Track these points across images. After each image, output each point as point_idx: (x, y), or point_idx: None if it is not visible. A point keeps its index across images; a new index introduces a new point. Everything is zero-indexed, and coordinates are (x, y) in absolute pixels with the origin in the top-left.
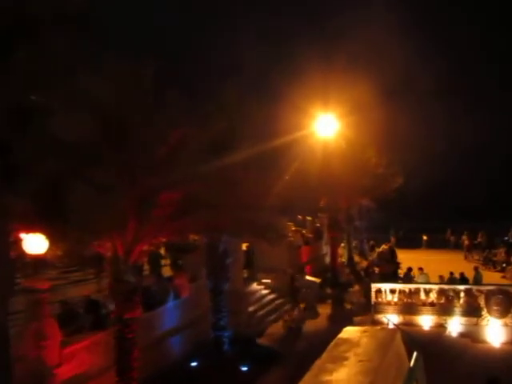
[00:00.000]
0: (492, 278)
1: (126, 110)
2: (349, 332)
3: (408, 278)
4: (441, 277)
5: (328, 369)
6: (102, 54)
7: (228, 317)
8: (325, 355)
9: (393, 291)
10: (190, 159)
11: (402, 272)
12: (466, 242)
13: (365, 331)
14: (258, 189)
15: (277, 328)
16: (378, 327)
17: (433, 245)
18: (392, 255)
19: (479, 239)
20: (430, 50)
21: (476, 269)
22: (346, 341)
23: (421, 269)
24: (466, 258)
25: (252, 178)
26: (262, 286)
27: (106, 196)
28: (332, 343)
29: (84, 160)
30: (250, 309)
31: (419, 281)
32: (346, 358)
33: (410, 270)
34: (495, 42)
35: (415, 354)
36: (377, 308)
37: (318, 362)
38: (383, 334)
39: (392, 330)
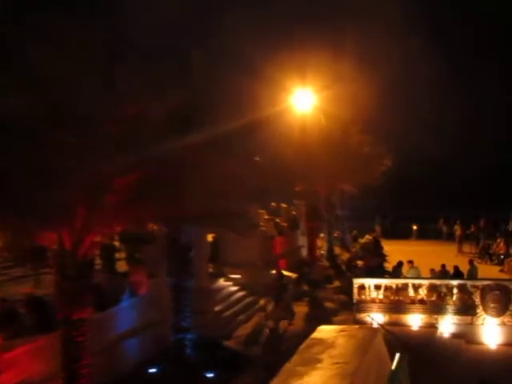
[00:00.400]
0: (489, 271)
1: (71, 83)
2: (323, 331)
3: (398, 273)
4: (432, 270)
5: (299, 372)
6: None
7: (191, 317)
8: (295, 357)
9: (378, 287)
10: (147, 138)
11: (388, 265)
12: (458, 232)
13: (341, 330)
14: (225, 171)
15: (246, 329)
16: (357, 326)
17: (424, 235)
18: (377, 247)
19: (472, 229)
20: (414, 16)
21: (471, 262)
22: (319, 341)
23: (411, 262)
24: (458, 250)
25: (219, 159)
26: (230, 283)
27: (49, 179)
28: (304, 344)
29: (22, 138)
30: (217, 308)
31: (409, 275)
32: (320, 361)
33: (400, 263)
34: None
35: (398, 355)
36: (359, 306)
37: (287, 366)
38: (362, 333)
39: (372, 328)
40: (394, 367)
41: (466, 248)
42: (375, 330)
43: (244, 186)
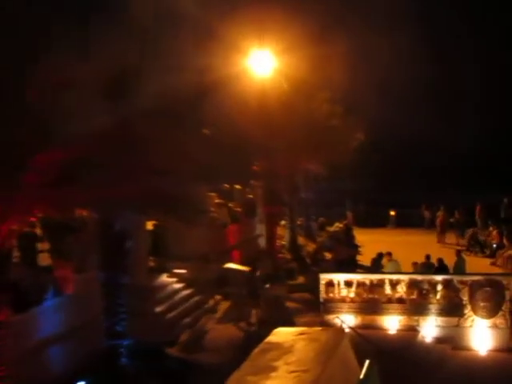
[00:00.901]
0: (479, 265)
1: None
2: (280, 334)
3: (377, 267)
4: (415, 264)
5: (249, 382)
6: None
7: (127, 320)
8: (246, 365)
9: (349, 284)
10: (76, 110)
11: (362, 258)
12: (440, 219)
13: (301, 333)
14: (168, 147)
15: (196, 333)
16: (319, 328)
17: (403, 223)
18: (348, 236)
19: (456, 216)
20: None
21: (458, 253)
22: (275, 345)
23: (389, 254)
24: (439, 240)
25: (161, 132)
26: (175, 279)
27: None
28: (256, 349)
29: None
30: (158, 309)
31: (386, 270)
32: (274, 368)
33: (380, 255)
34: None
35: (368, 361)
36: (327, 306)
37: (236, 375)
38: (325, 336)
39: (338, 331)
40: (362, 375)
41: (450, 238)
42: (341, 332)
43: (190, 163)
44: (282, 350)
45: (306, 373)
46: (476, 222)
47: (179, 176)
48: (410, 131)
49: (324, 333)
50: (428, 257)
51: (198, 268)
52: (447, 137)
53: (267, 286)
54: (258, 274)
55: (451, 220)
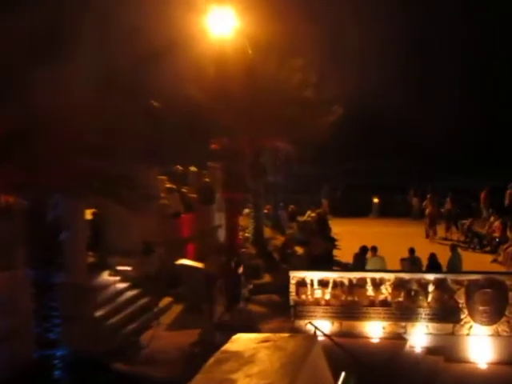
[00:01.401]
0: (478, 262)
1: None
2: (239, 342)
3: (361, 264)
4: (403, 261)
5: None
6: None
7: (62, 326)
8: (199, 378)
9: (324, 283)
10: None
11: (339, 254)
12: (429, 210)
13: (264, 340)
14: (108, 121)
15: (143, 342)
16: (286, 335)
17: (387, 212)
18: (323, 227)
19: (447, 205)
20: None
21: (453, 248)
22: (233, 355)
23: (374, 249)
24: (428, 235)
25: (100, 104)
26: (118, 278)
27: None
28: (211, 360)
29: None
30: (98, 313)
31: (370, 268)
32: (232, 382)
33: (364, 250)
34: None
35: (344, 374)
36: (298, 310)
37: None
38: (293, 344)
39: (308, 338)
40: None
41: (441, 231)
42: (312, 339)
43: (134, 139)
44: (242, 360)
45: None
46: (475, 212)
47: (121, 154)
48: (396, 106)
49: (292, 340)
50: (412, 250)
51: (145, 265)
52: (436, 114)
53: (251, 286)
54: (240, 270)
55: (442, 210)
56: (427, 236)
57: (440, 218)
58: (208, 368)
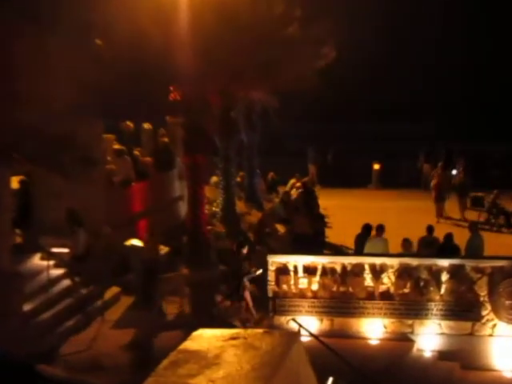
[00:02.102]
0: (504, 245)
1: None
2: (201, 340)
3: (361, 247)
4: (405, 243)
5: None
6: None
7: None
8: (149, 383)
9: (311, 271)
10: None
11: (330, 234)
12: (435, 181)
13: (232, 337)
14: (37, 66)
15: (81, 343)
16: (260, 331)
17: (391, 182)
18: (309, 200)
19: (460, 172)
20: None
21: (473, 228)
22: (193, 355)
23: (380, 228)
24: (438, 213)
25: (26, 44)
26: (52, 262)
27: None
28: (165, 361)
29: None
30: (27, 307)
31: (369, 251)
32: None
33: (367, 229)
34: None
35: (331, 379)
36: (279, 303)
37: None
38: (268, 342)
39: (288, 335)
40: None
41: (453, 208)
42: (291, 336)
43: (72, 89)
44: (204, 361)
45: None
46: (500, 182)
47: (54, 107)
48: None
49: (267, 337)
50: (430, 229)
51: (85, 246)
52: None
53: (258, 272)
54: (244, 252)
55: (452, 181)
56: (439, 215)
57: (452, 189)
58: (161, 371)
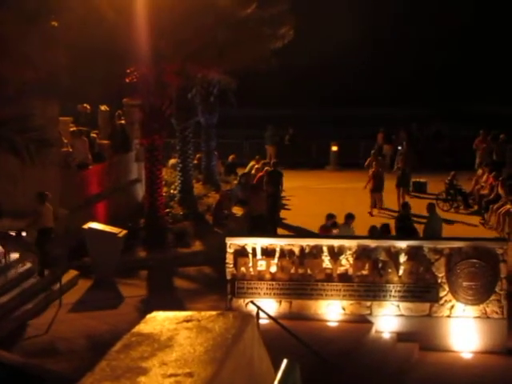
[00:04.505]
0: (462, 225)
1: None
2: (154, 322)
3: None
4: (373, 229)
5: None
6: None
7: None
8: (101, 366)
9: (269, 253)
10: None
11: (288, 216)
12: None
13: (186, 320)
14: None
15: (38, 328)
16: (213, 313)
17: (349, 162)
18: (272, 180)
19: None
20: None
21: (431, 207)
22: (146, 338)
23: (349, 217)
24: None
25: None
26: (7, 245)
27: None
28: (118, 344)
29: None
30: None
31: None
32: (143, 371)
33: (350, 216)
34: None
35: (285, 362)
36: (237, 286)
37: (84, 382)
38: (222, 324)
39: (241, 316)
40: (277, 381)
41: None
42: (245, 318)
43: (25, 69)
44: (157, 343)
45: (189, 377)
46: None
47: (7, 88)
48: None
49: (220, 319)
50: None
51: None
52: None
53: None
54: None
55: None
56: (374, 206)
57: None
58: (114, 354)
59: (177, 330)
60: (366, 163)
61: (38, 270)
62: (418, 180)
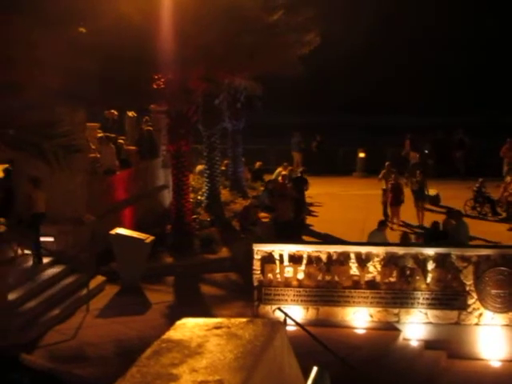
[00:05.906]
0: (489, 232)
1: None
2: (184, 329)
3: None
4: (405, 235)
5: None
6: None
7: None
8: (132, 373)
9: (297, 259)
10: None
11: (313, 222)
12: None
13: (216, 327)
14: (17, 51)
15: (68, 332)
16: (244, 320)
17: (377, 169)
18: (296, 187)
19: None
20: None
21: (457, 216)
22: (176, 345)
23: (382, 223)
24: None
25: (6, 30)
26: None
27: None
28: (148, 350)
29: None
30: (11, 296)
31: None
32: (173, 378)
33: (383, 224)
34: None
35: (316, 369)
36: (264, 292)
37: None
38: (252, 331)
39: (271, 324)
40: None
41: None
42: (275, 325)
43: (53, 75)
44: (187, 350)
45: None
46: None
47: (35, 93)
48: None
49: (250, 326)
50: (436, 224)
51: (70, 234)
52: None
53: None
54: None
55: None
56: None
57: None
58: (144, 361)
59: (207, 336)
60: (381, 176)
61: (33, 258)
62: (428, 194)
